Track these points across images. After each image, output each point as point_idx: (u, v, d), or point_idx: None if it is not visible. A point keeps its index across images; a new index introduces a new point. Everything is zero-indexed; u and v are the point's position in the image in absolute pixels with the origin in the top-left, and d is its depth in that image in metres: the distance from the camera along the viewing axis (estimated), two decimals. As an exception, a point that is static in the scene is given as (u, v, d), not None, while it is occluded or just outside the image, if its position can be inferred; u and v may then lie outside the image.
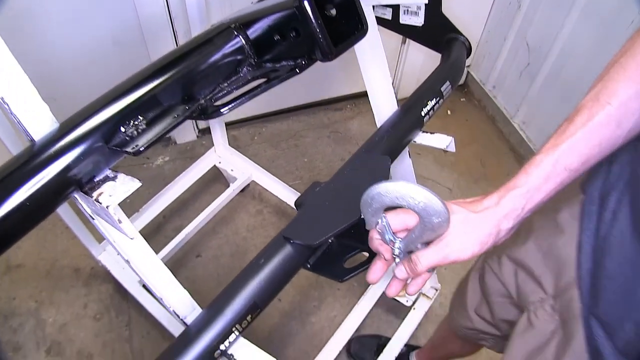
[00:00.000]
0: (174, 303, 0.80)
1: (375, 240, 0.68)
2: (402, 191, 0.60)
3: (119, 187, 0.61)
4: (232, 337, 0.77)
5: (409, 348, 1.74)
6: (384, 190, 0.62)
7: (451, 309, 1.24)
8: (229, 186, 1.98)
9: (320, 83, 2.58)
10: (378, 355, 1.66)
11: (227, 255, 2.03)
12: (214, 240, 2.08)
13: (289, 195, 1.94)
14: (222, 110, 0.76)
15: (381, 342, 1.75)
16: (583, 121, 0.61)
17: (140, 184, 0.61)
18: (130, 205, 2.12)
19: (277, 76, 0.81)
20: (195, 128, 2.46)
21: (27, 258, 1.97)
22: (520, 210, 0.62)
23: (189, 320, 0.82)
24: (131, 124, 0.63)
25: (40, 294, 1.88)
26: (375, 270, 0.70)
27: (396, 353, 1.66)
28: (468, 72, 2.79)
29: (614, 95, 0.60)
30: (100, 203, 0.60)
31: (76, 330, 1.79)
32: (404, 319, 1.74)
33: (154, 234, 2.05)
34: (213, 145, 2.05)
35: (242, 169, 2.02)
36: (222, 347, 0.77)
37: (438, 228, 0.61)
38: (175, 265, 1.97)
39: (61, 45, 1.82)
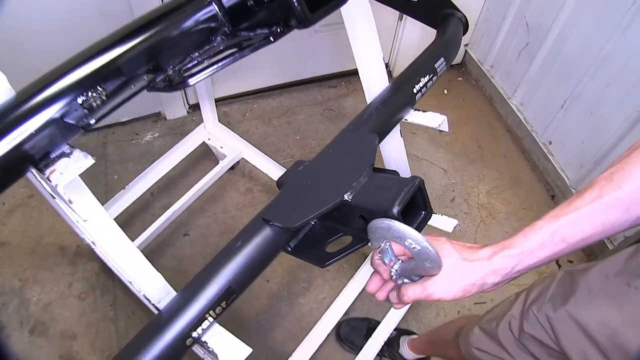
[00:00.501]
0: (144, 287, 0.76)
1: (376, 260, 0.72)
2: (401, 234, 0.67)
3: (72, 164, 0.56)
4: (205, 323, 0.73)
5: (399, 332, 1.71)
6: (387, 226, 0.68)
7: (469, 342, 1.17)
8: (218, 163, 1.94)
9: (313, 59, 2.52)
10: (367, 338, 1.63)
11: (215, 234, 1.99)
12: (202, 218, 2.04)
13: (279, 174, 1.87)
14: (188, 82, 0.71)
15: (371, 326, 1.72)
16: (591, 198, 0.60)
17: (93, 161, 0.56)
18: (118, 182, 2.08)
19: (250, 45, 0.76)
20: (186, 103, 2.40)
21: (11, 235, 1.93)
22: (509, 270, 0.64)
23: (162, 305, 0.78)
24: (90, 95, 0.57)
25: (25, 273, 1.84)
26: (374, 281, 0.75)
27: (386, 337, 1.63)
28: (466, 50, 2.73)
29: (628, 179, 0.58)
30: (51, 181, 0.55)
31: (60, 310, 1.76)
32: (394, 301, 1.71)
33: (141, 212, 2.01)
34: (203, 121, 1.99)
35: (231, 146, 1.97)
36: (194, 334, 0.73)
37: (429, 270, 0.67)
38: (162, 244, 1.93)
39: (45, 17, 1.76)
